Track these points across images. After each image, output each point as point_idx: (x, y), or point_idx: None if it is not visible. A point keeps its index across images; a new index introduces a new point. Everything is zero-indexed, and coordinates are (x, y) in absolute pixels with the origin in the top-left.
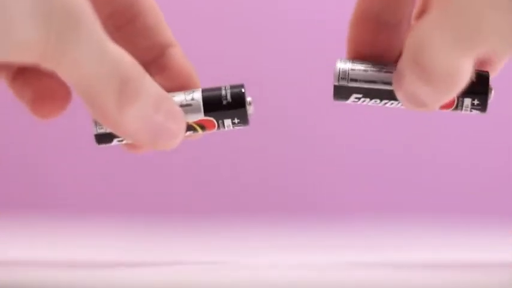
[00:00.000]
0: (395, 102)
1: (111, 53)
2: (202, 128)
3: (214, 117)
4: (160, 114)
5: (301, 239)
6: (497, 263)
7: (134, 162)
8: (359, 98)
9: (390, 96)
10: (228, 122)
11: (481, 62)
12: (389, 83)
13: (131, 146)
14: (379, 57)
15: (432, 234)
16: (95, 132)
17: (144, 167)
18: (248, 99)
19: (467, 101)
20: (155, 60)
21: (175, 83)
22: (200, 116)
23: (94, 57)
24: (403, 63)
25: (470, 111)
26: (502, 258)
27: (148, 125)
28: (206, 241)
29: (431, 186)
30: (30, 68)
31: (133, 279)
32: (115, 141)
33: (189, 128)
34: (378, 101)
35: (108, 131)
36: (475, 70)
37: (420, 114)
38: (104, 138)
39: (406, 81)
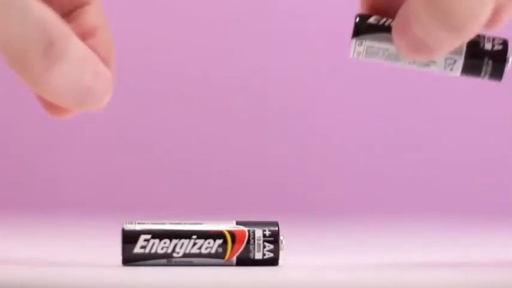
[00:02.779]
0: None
1: (35, 12)
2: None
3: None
4: (88, 75)
5: (301, 239)
6: (498, 262)
7: (135, 162)
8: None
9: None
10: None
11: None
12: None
13: (55, 110)
14: (394, 15)
15: (432, 234)
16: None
17: (145, 167)
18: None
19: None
20: (67, 16)
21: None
22: None
23: (17, 17)
24: (416, 7)
25: (486, 75)
26: (502, 258)
27: (75, 85)
28: None
29: (432, 186)
30: None
31: (135, 278)
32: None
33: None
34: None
35: (138, 227)
36: (494, 37)
37: (421, 115)
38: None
39: (418, 25)
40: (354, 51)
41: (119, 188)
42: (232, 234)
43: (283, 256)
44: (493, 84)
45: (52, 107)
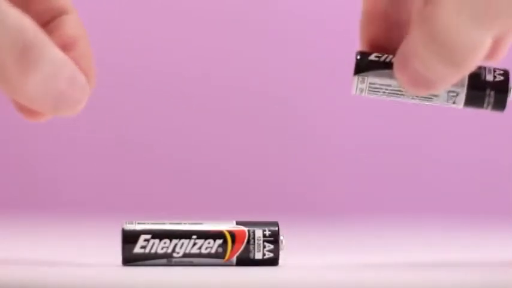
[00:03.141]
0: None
1: (11, 18)
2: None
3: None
4: (63, 81)
5: (301, 239)
6: (498, 262)
7: (135, 162)
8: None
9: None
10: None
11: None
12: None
13: (31, 114)
14: (394, 52)
15: (432, 234)
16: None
17: (145, 167)
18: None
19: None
20: (45, 26)
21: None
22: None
23: None
24: (416, 43)
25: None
26: (502, 258)
27: (51, 91)
28: None
29: (432, 186)
30: None
31: (135, 278)
32: (141, 240)
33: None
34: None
35: (138, 227)
36: (495, 68)
37: (421, 115)
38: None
39: (419, 61)
40: (357, 88)
41: (119, 188)
42: (232, 234)
43: (283, 256)
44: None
45: (27, 111)
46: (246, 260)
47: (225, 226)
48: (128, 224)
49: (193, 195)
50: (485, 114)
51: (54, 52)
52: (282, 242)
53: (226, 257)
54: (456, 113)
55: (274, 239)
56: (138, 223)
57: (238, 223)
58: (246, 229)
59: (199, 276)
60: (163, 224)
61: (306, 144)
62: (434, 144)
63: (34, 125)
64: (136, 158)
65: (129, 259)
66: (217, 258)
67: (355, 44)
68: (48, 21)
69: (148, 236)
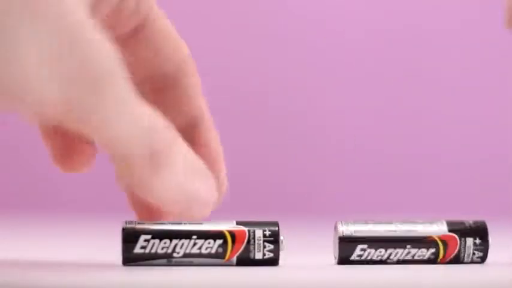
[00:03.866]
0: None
1: (142, 117)
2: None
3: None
4: (194, 181)
5: (301, 239)
6: (498, 263)
7: None
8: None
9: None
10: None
11: None
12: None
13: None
14: None
15: None
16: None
17: None
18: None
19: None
20: (184, 130)
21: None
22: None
23: (123, 120)
24: None
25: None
26: (502, 258)
27: (182, 192)
28: None
29: (432, 186)
30: None
31: (135, 278)
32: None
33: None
34: (383, 251)
35: (138, 227)
36: (474, 221)
37: (421, 115)
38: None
39: None
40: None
41: (119, 188)
42: (232, 234)
43: (283, 256)
44: (492, 84)
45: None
46: (246, 260)
47: (225, 226)
48: (128, 224)
49: None
50: (484, 115)
51: (184, 152)
52: (282, 242)
53: (227, 257)
54: (456, 113)
55: (274, 239)
56: (138, 223)
57: (238, 223)
58: (246, 229)
59: (199, 276)
60: (163, 224)
61: (306, 144)
62: (434, 144)
63: (34, 125)
64: None
65: (129, 259)
66: (218, 258)
67: (355, 44)
68: (181, 129)
69: (148, 236)
